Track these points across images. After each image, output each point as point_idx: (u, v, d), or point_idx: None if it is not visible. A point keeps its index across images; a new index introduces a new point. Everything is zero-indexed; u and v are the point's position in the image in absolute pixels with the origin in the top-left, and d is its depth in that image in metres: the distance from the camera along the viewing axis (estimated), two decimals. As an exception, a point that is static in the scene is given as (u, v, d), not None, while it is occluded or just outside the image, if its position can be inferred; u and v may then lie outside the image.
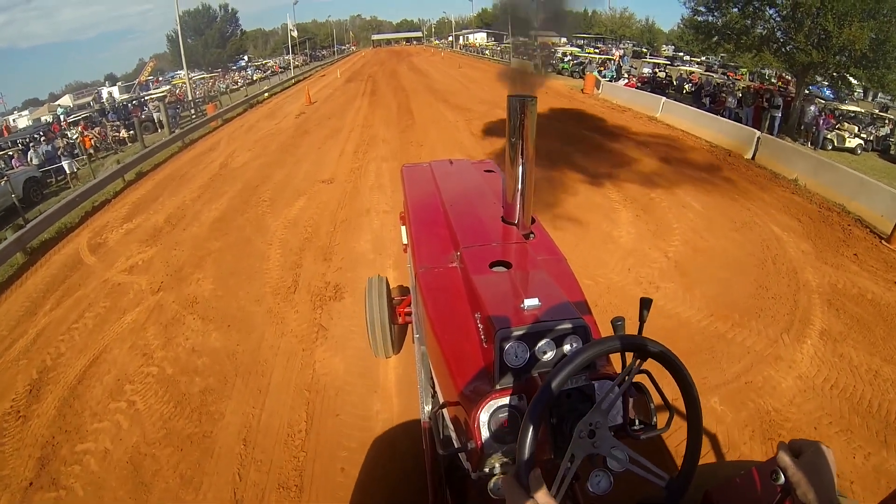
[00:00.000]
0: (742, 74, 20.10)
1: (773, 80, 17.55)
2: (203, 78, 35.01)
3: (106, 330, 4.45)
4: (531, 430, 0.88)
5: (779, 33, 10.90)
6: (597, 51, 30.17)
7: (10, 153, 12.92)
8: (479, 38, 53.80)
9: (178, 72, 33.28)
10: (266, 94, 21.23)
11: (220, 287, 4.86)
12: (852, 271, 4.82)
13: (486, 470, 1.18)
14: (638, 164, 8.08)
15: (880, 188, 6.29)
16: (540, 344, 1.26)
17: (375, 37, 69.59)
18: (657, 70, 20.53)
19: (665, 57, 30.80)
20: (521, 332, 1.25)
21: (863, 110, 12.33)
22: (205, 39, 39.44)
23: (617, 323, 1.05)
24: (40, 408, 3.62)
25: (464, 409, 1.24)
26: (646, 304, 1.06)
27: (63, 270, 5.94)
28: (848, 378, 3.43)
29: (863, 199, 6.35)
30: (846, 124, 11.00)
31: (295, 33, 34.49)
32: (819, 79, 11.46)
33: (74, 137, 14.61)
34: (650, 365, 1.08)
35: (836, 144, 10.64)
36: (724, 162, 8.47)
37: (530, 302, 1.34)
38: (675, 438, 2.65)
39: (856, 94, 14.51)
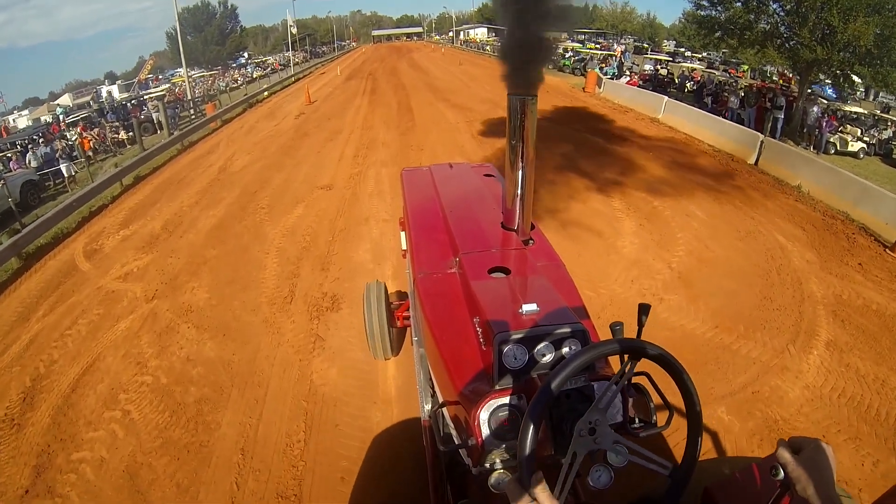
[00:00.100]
0: (743, 72, 19.97)
1: (774, 79, 17.42)
2: (203, 76, 34.90)
3: (99, 337, 4.42)
4: (532, 428, 0.90)
5: (782, 28, 10.77)
6: (598, 46, 29.95)
7: (9, 155, 12.86)
8: (480, 33, 53.56)
9: (178, 70, 33.16)
10: (266, 93, 21.14)
11: (216, 296, 4.81)
12: (857, 281, 4.79)
13: (487, 465, 1.20)
14: (640, 170, 7.99)
15: (884, 195, 6.21)
16: (539, 347, 1.27)
17: (376, 33, 69.43)
18: (659, 67, 20.37)
19: (666, 53, 30.62)
20: (519, 336, 1.27)
21: (865, 111, 12.22)
22: (204, 36, 39.34)
23: (616, 327, 1.07)
24: (34, 416, 3.60)
25: (464, 409, 1.26)
26: (644, 309, 1.09)
27: (57, 276, 5.89)
28: (855, 387, 3.42)
29: (867, 207, 6.28)
30: (849, 126, 10.90)
31: (295, 30, 34.28)
32: (822, 77, 11.34)
33: (73, 139, 14.55)
34: (649, 366, 1.11)
35: (838, 148, 10.54)
36: (728, 168, 8.39)
37: (529, 307, 1.36)
38: (675, 438, 2.65)
39: (858, 93, 14.40)
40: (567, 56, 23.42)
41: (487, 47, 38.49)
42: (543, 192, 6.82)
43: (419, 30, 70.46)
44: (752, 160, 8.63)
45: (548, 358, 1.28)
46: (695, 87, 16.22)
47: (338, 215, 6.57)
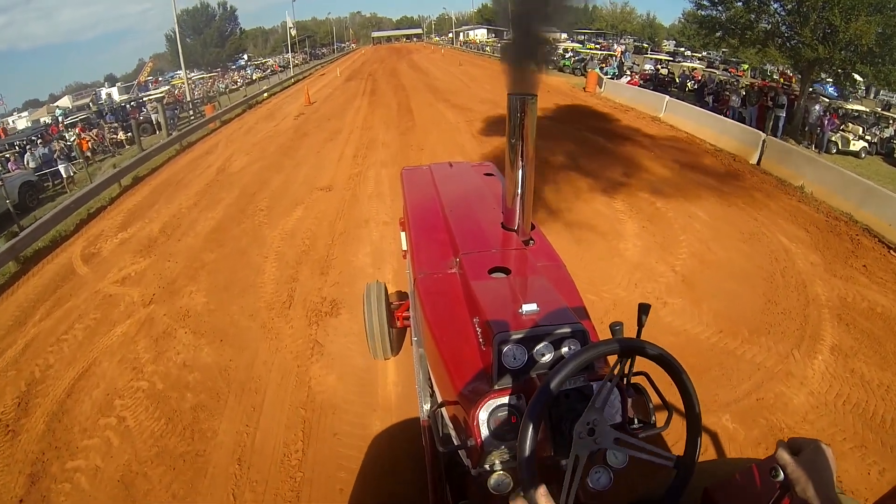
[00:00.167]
0: (744, 71, 19.93)
1: (775, 77, 17.38)
2: (202, 78, 34.89)
3: (96, 342, 4.37)
4: (531, 428, 0.90)
5: (783, 28, 10.73)
6: (598, 46, 29.92)
7: (7, 156, 12.81)
8: (480, 34, 53.55)
9: (178, 72, 33.11)
10: (265, 95, 21.11)
11: (213, 301, 4.76)
12: (862, 284, 4.74)
13: (487, 466, 1.19)
14: (642, 169, 7.94)
15: (888, 196, 6.16)
16: (538, 347, 1.27)
17: (375, 34, 69.38)
18: (659, 67, 20.33)
19: (666, 53, 30.59)
20: (519, 336, 1.26)
21: (867, 110, 12.18)
22: (204, 38, 39.33)
23: (615, 327, 1.07)
24: (29, 422, 3.56)
25: (463, 409, 1.25)
26: (644, 309, 1.10)
27: (55, 280, 5.85)
28: (860, 393, 3.37)
29: (870, 207, 6.23)
30: (850, 125, 10.85)
31: (294, 31, 34.28)
32: (824, 76, 11.30)
33: (72, 140, 14.51)
34: (649, 367, 1.10)
35: (840, 147, 10.48)
36: (730, 167, 8.34)
37: (529, 307, 1.36)
38: (674, 437, 2.62)
39: (859, 91, 14.38)
40: (567, 56, 23.38)
41: (487, 48, 38.47)
42: (545, 192, 6.77)
43: (419, 31, 70.44)
44: (754, 160, 8.57)
45: (547, 358, 1.27)
46: (695, 87, 16.19)
47: (337, 217, 6.52)
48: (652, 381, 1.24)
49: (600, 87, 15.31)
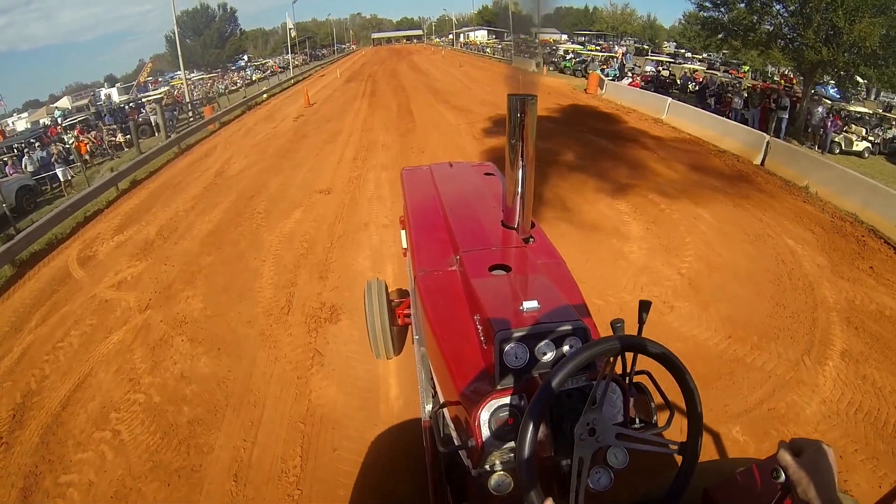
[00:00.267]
0: (744, 72, 19.90)
1: (775, 79, 17.33)
2: (202, 79, 34.85)
3: (92, 350, 4.29)
4: (531, 427, 0.91)
5: (786, 30, 10.67)
6: (598, 48, 29.90)
7: (5, 159, 12.73)
8: (480, 35, 53.58)
9: (177, 73, 33.08)
10: (265, 96, 21.05)
11: (211, 306, 4.67)
12: (869, 286, 4.67)
13: (487, 467, 1.19)
14: (645, 170, 7.87)
15: (893, 196, 6.10)
16: (540, 345, 1.26)
17: (376, 35, 69.35)
18: (661, 68, 20.28)
19: (667, 54, 30.58)
20: (521, 334, 1.26)
21: (870, 111, 12.17)
22: (203, 40, 39.31)
23: (616, 325, 1.07)
24: (23, 435, 3.48)
25: (464, 409, 1.25)
26: (644, 306, 1.11)
27: (51, 284, 5.77)
28: (872, 401, 3.30)
29: (875, 208, 6.17)
30: (853, 126, 10.83)
31: (294, 32, 34.26)
32: (826, 78, 11.26)
33: (70, 143, 14.43)
34: (650, 366, 1.09)
35: (843, 148, 10.48)
36: (734, 168, 8.27)
37: (529, 304, 1.35)
38: (675, 438, 2.54)
39: (861, 93, 14.37)
40: (568, 58, 23.35)
41: (487, 50, 38.44)
42: (548, 194, 6.70)
43: (419, 32, 70.41)
44: (757, 161, 8.51)
45: (549, 356, 1.27)
46: (697, 88, 16.14)
47: (336, 220, 6.44)
48: (654, 379, 1.22)
49: (601, 89, 15.26)
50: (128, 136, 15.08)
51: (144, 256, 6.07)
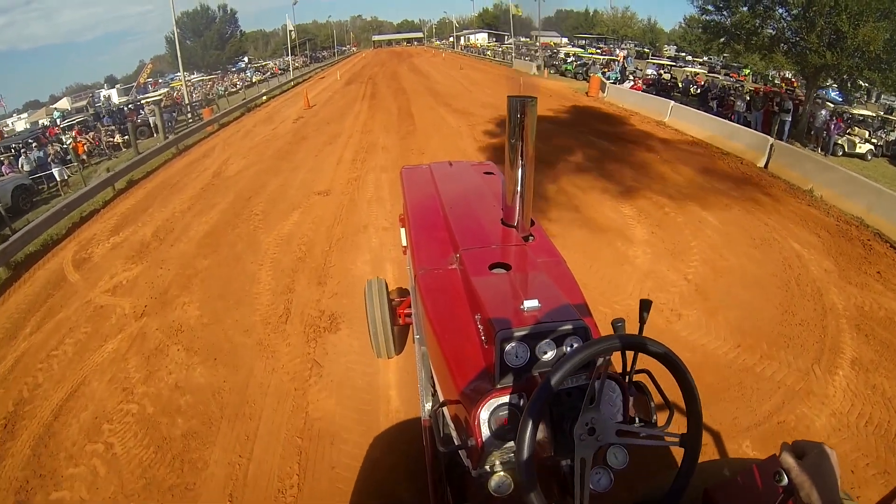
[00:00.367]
0: (745, 75, 19.87)
1: (777, 82, 17.31)
2: (202, 80, 34.78)
3: (86, 359, 4.18)
4: (530, 425, 0.90)
5: (789, 34, 10.63)
6: (599, 51, 29.91)
7: (1, 159, 12.65)
8: (481, 38, 53.63)
9: (177, 74, 33.03)
10: (264, 98, 20.98)
11: (207, 313, 4.56)
12: (877, 291, 4.60)
13: (487, 467, 1.18)
14: (649, 173, 7.80)
15: (898, 199, 6.05)
16: (540, 344, 1.26)
17: (376, 37, 69.43)
18: (662, 72, 20.27)
19: (668, 57, 30.59)
20: (521, 333, 1.25)
21: (872, 114, 12.16)
22: (203, 41, 39.28)
23: (617, 324, 1.06)
24: (15, 446, 3.37)
25: (464, 408, 1.24)
26: (645, 305, 1.11)
27: (46, 288, 5.67)
28: (882, 412, 3.21)
29: (880, 211, 6.12)
30: (856, 129, 10.81)
31: (294, 34, 34.22)
32: (829, 81, 11.23)
33: (67, 143, 14.36)
34: (651, 365, 1.09)
35: (846, 150, 10.47)
36: (738, 171, 8.20)
37: (530, 303, 1.34)
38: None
39: (863, 96, 14.36)
40: (569, 61, 23.35)
41: (488, 52, 38.45)
42: (551, 196, 6.63)
43: (420, 35, 70.46)
44: (761, 163, 8.44)
45: (549, 355, 1.27)
46: (699, 92, 16.12)
47: (335, 223, 6.34)
48: (654, 378, 1.21)
49: (603, 92, 15.21)
50: (126, 137, 15.00)
51: (140, 259, 5.97)
